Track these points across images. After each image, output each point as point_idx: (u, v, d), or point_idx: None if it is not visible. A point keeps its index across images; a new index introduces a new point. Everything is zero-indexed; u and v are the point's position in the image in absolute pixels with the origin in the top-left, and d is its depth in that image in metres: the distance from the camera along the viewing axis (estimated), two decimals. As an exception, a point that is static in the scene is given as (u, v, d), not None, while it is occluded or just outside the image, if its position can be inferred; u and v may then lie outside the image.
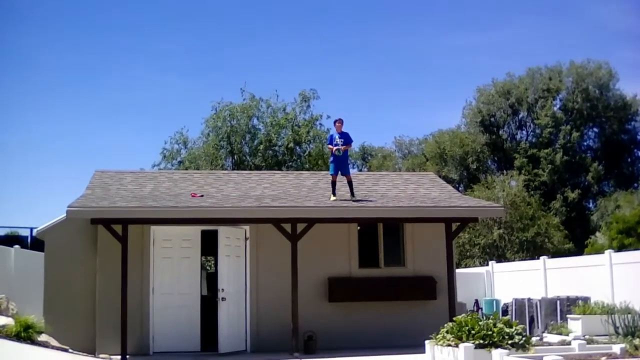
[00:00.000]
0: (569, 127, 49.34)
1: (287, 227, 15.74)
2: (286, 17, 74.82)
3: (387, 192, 18.29)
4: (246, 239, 16.65)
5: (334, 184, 16.92)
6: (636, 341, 11.46)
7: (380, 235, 17.62)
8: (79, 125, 70.61)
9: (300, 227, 15.81)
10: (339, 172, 16.90)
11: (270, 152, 39.96)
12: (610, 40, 70.58)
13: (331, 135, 17.30)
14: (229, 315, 15.90)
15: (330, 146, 17.17)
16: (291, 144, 39.65)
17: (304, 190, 17.99)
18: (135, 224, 15.41)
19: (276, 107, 41.04)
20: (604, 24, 68.70)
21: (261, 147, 39.65)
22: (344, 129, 16.98)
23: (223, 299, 15.75)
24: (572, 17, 70.88)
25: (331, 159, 17.24)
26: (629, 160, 52.28)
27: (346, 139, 16.90)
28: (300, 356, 14.87)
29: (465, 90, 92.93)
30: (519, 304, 19.07)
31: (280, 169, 36.06)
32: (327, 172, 21.27)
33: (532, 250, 36.10)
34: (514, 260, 32.73)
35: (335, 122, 17.25)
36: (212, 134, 40.01)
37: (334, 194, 16.82)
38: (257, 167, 37.54)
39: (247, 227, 16.62)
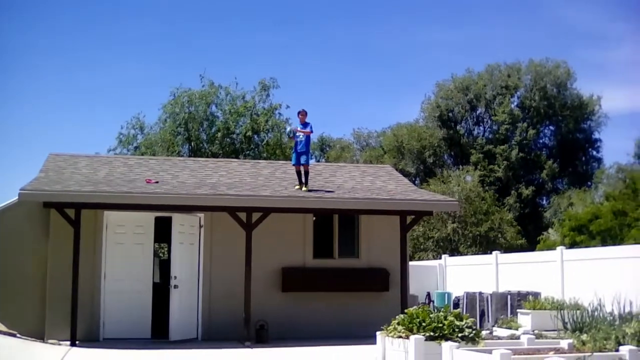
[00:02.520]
0: (525, 124, 49.87)
1: (243, 216, 15.68)
2: (249, 6, 74.46)
3: (344, 183, 18.31)
4: (200, 226, 16.56)
5: (298, 173, 16.93)
6: (584, 336, 11.62)
7: (336, 226, 17.64)
8: (34, 107, 69.54)
9: (255, 216, 15.76)
10: (300, 161, 16.91)
11: (227, 140, 39.77)
12: (569, 39, 71.58)
13: (293, 130, 17.33)
14: (181, 302, 15.81)
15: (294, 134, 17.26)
16: (249, 133, 39.50)
17: (260, 180, 17.93)
18: (89, 208, 15.22)
19: (235, 95, 40.85)
20: (564, 23, 69.64)
21: (219, 134, 39.44)
22: (307, 120, 16.98)
23: (175, 286, 15.64)
24: (533, 15, 71.80)
25: (293, 149, 17.22)
26: (584, 159, 52.98)
27: (308, 128, 16.92)
28: (252, 345, 14.84)
29: (425, 85, 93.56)
30: (471, 297, 19.27)
31: (237, 158, 35.91)
32: (285, 161, 21.27)
33: (485, 244, 36.53)
34: (467, 255, 33.07)
35: (298, 114, 17.30)
36: (170, 120, 39.66)
37: (299, 182, 16.86)
38: (214, 155, 37.31)
39: (201, 215, 16.52)
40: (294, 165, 17.05)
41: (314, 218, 17.48)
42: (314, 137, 44.65)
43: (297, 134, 16.89)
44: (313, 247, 17.25)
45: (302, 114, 17.09)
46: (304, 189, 16.65)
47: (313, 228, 17.40)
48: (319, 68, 76.73)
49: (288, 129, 18.69)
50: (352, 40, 75.06)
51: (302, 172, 16.90)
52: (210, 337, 15.99)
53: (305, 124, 16.92)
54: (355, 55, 77.41)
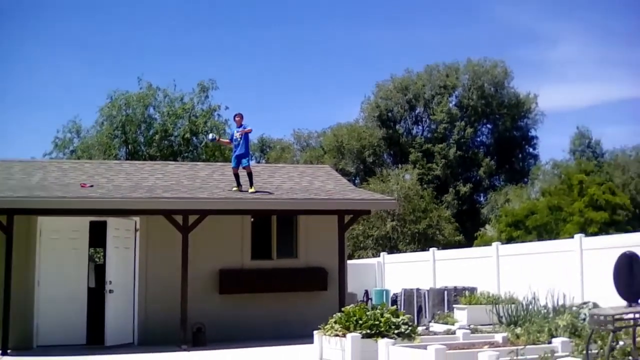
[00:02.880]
0: (463, 123, 50.56)
1: (179, 218, 15.52)
2: (188, 7, 73.87)
3: (282, 184, 18.28)
4: (136, 230, 16.34)
5: (236, 176, 16.79)
6: (518, 330, 11.83)
7: (274, 227, 17.59)
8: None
9: (192, 218, 15.62)
10: (240, 164, 16.81)
11: (165, 142, 39.46)
12: (506, 39, 72.77)
13: (232, 134, 17.24)
14: (116, 307, 15.57)
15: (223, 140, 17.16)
16: (187, 135, 39.21)
17: (197, 182, 17.78)
18: (22, 214, 14.89)
19: (174, 97, 40.59)
20: (501, 23, 70.74)
21: (157, 137, 39.10)
22: (243, 123, 16.90)
23: (110, 291, 15.40)
24: (471, 15, 72.69)
25: (233, 152, 17.08)
26: (520, 156, 53.98)
27: (246, 130, 16.85)
28: (189, 348, 14.69)
29: (365, 85, 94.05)
30: (408, 294, 19.43)
31: (175, 160, 35.63)
32: (224, 163, 21.15)
33: (423, 241, 36.89)
34: (406, 252, 33.34)
35: (234, 117, 17.20)
36: (107, 123, 39.20)
37: (237, 185, 16.73)
38: (152, 158, 36.95)
39: (137, 219, 16.30)
40: (233, 168, 16.92)
41: (252, 219, 17.41)
42: (253, 138, 44.62)
43: (235, 137, 16.79)
44: (251, 249, 17.16)
45: (239, 116, 17.00)
46: (250, 190, 16.52)
47: (251, 229, 17.31)
48: (259, 69, 76.67)
49: (210, 135, 18.68)
50: (292, 41, 75.13)
51: (246, 174, 16.73)
52: (147, 341, 15.76)
53: (241, 127, 16.84)
54: (295, 55, 77.50)
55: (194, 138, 40.27)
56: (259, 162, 49.89)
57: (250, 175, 16.75)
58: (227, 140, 17.63)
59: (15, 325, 14.56)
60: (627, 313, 4.86)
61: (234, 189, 16.70)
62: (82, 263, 16.01)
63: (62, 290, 15.53)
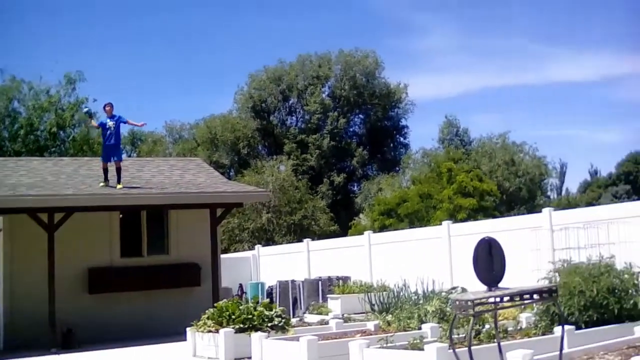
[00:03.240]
0: (336, 113, 50.90)
1: (44, 216, 14.92)
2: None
3: (151, 178, 17.88)
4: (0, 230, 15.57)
5: (105, 170, 16.27)
6: (389, 317, 12.00)
7: (144, 223, 17.22)
8: None
9: (58, 216, 15.05)
10: (112, 158, 16.29)
11: (31, 137, 37.94)
12: (377, 29, 73.85)
13: (102, 122, 16.60)
14: (-21, 310, 14.83)
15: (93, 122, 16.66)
16: (54, 129, 37.85)
17: (62, 178, 17.12)
18: None
19: (39, 90, 38.99)
20: (372, 13, 71.73)
21: (22, 131, 37.52)
22: (114, 112, 16.34)
23: (-28, 294, 14.67)
24: (343, 5, 73.34)
25: (103, 144, 16.54)
26: (392, 145, 54.80)
27: (118, 120, 16.31)
28: (58, 351, 14.14)
29: (238, 76, 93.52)
30: (283, 286, 19.40)
31: (42, 155, 34.27)
32: (91, 157, 20.50)
33: (299, 232, 36.99)
34: (282, 244, 33.37)
35: (104, 107, 16.58)
36: (-33, 118, 37.38)
37: (105, 179, 16.21)
38: (17, 153, 35.46)
39: (0, 218, 15.53)
40: (103, 161, 16.36)
41: (121, 215, 16.93)
42: (124, 131, 43.57)
43: (108, 126, 16.18)
44: (120, 246, 16.74)
45: (109, 106, 16.39)
46: (118, 186, 16.02)
47: (120, 226, 16.85)
48: (129, 60, 75.01)
49: (85, 109, 17.92)
50: (163, 31, 73.79)
51: (115, 169, 16.22)
52: (15, 345, 15.00)
53: (112, 116, 16.27)
54: (165, 45, 76.19)
55: (61, 132, 38.93)
56: (130, 156, 48.77)
57: (119, 170, 16.25)
58: (97, 125, 17.00)
59: None
60: (487, 297, 4.93)
61: (101, 184, 16.17)
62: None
63: None
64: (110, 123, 16.18)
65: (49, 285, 14.75)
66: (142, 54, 74.89)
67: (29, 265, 15.51)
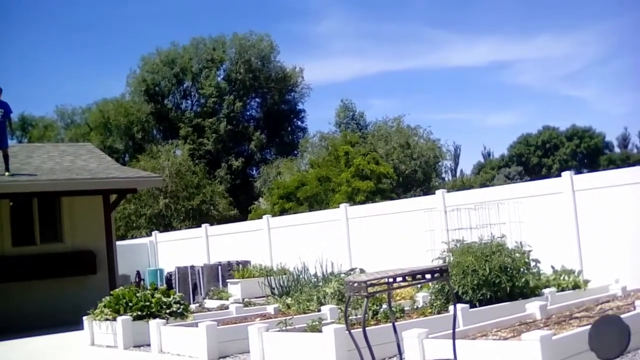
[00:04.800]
0: (232, 97, 50.58)
1: None
2: None
3: (42, 164, 17.33)
4: None
5: None
6: (289, 300, 12.03)
7: (35, 210, 16.74)
8: None
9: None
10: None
11: None
12: (272, 13, 73.62)
13: None
14: None
15: None
16: None
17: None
18: None
19: None
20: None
21: None
22: (2, 98, 15.64)
23: None
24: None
25: None
26: (289, 129, 54.93)
27: (6, 109, 15.62)
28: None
29: (130, 58, 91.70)
30: (182, 272, 19.20)
31: None
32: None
33: (198, 218, 36.65)
34: (180, 229, 33.00)
35: None
36: None
37: None
38: None
39: None
40: None
41: (11, 204, 16.38)
42: (14, 117, 42.04)
43: None
44: (12, 235, 16.23)
45: None
46: (6, 174, 15.40)
47: (10, 214, 16.32)
48: (16, 42, 72.25)
49: None
50: (49, 11, 71.41)
51: (2, 156, 15.58)
52: None
53: (1, 103, 15.60)
54: (54, 26, 73.85)
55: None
56: (20, 142, 47.20)
57: (6, 157, 15.63)
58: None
59: None
60: (379, 279, 4.99)
61: None
62: None
63: None
64: None
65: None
66: (30, 36, 72.36)
67: None
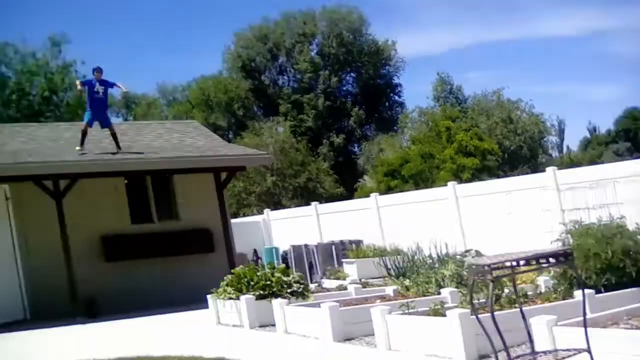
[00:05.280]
0: (327, 72, 50.00)
1: (49, 184, 14.74)
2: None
3: (151, 142, 17.58)
4: (7, 199, 15.35)
5: (84, 134, 15.82)
6: (406, 282, 11.98)
7: (150, 188, 16.97)
8: None
9: (63, 183, 14.87)
10: (98, 124, 16.02)
11: (24, 102, 37.47)
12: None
13: (90, 80, 16.18)
14: (0, 282, 14.70)
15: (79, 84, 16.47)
16: (46, 93, 37.37)
17: (62, 143, 16.78)
18: None
19: (25, 53, 38.40)
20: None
21: (14, 96, 37.04)
22: (103, 77, 16.00)
23: (-10, 263, 14.53)
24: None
25: (88, 106, 16.07)
26: (387, 104, 54.03)
27: (106, 85, 16.00)
28: (84, 320, 13.97)
29: (224, 35, 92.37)
30: (297, 251, 19.15)
31: (39, 120, 33.95)
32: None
33: (306, 195, 36.65)
34: (289, 207, 33.21)
35: (93, 71, 16.20)
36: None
37: (82, 144, 15.77)
38: (14, 119, 35.05)
39: (6, 186, 15.29)
40: (86, 123, 15.91)
41: (126, 181, 16.71)
42: (116, 94, 43.20)
43: (96, 89, 15.73)
44: (130, 212, 16.53)
45: (98, 71, 15.96)
46: (118, 151, 15.83)
47: (126, 192, 16.63)
48: (115, 20, 73.98)
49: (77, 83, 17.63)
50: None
51: (110, 135, 15.97)
52: (39, 316, 14.74)
53: (102, 81, 15.88)
54: (148, 7, 75.05)
55: (54, 96, 38.49)
56: (126, 120, 48.43)
57: (114, 136, 15.94)
58: (81, 83, 16.71)
59: None
60: (503, 262, 4.89)
61: (77, 149, 15.75)
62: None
63: None
64: (99, 87, 15.75)
65: (65, 254, 14.60)
66: (127, 13, 73.95)
67: (42, 235, 15.23)
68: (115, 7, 73.76)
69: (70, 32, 41.15)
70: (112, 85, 16.23)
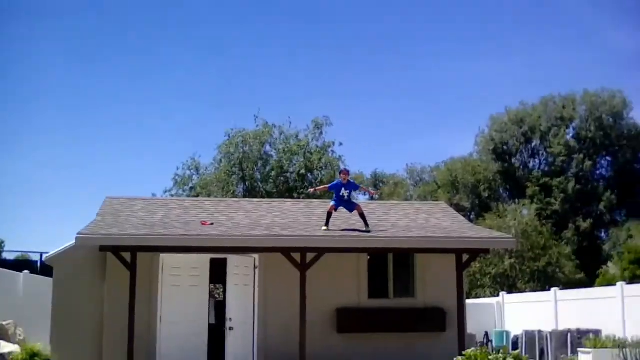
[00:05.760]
0: (581, 155, 49.15)
1: (297, 256, 15.60)
2: (301, 45, 75.22)
3: (397, 221, 18.15)
4: (255, 267, 16.55)
5: (329, 214, 16.63)
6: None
7: (390, 265, 17.46)
8: (92, 151, 71.06)
9: (309, 256, 15.66)
10: (342, 208, 16.83)
11: (281, 178, 39.93)
12: (623, 67, 70.43)
13: (336, 184, 17.01)
14: (236, 345, 15.77)
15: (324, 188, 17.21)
16: (303, 171, 39.60)
17: (314, 219, 17.85)
18: (145, 251, 15.28)
19: (289, 134, 41.10)
20: (618, 50, 68.58)
21: (273, 173, 39.63)
22: (349, 179, 16.93)
23: (231, 328, 15.65)
24: (586, 44, 70.90)
25: (334, 196, 16.94)
26: (642, 189, 51.75)
27: (353, 187, 16.96)
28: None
29: (479, 118, 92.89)
30: (530, 336, 18.80)
31: (291, 196, 35.99)
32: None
33: (543, 280, 35.78)
34: (525, 291, 32.46)
35: (340, 173, 17.29)
36: (225, 160, 40.05)
37: (326, 224, 16.54)
38: (269, 194, 37.47)
39: (256, 256, 16.51)
40: (333, 206, 16.70)
41: (368, 257, 17.34)
42: (367, 173, 44.57)
43: (341, 193, 16.64)
44: (368, 287, 17.05)
45: (344, 173, 16.98)
46: (366, 229, 16.48)
47: (367, 267, 17.22)
48: (371, 104, 77.03)
49: (311, 190, 18.84)
50: (404, 75, 75.09)
51: (359, 215, 16.69)
52: None
53: (348, 183, 16.77)
54: (407, 89, 77.48)
55: (309, 174, 40.60)
56: (372, 199, 49.84)
57: (363, 215, 16.70)
58: (324, 187, 17.73)
59: (139, 361, 14.95)
60: None
61: (324, 228, 16.52)
62: (202, 299, 16.35)
63: (183, 326, 15.88)
64: (344, 191, 16.63)
65: (301, 323, 15.26)
66: (383, 96, 76.79)
67: (281, 303, 16.26)
68: (373, 91, 76.89)
69: (331, 114, 43.57)
70: (357, 188, 17.03)
